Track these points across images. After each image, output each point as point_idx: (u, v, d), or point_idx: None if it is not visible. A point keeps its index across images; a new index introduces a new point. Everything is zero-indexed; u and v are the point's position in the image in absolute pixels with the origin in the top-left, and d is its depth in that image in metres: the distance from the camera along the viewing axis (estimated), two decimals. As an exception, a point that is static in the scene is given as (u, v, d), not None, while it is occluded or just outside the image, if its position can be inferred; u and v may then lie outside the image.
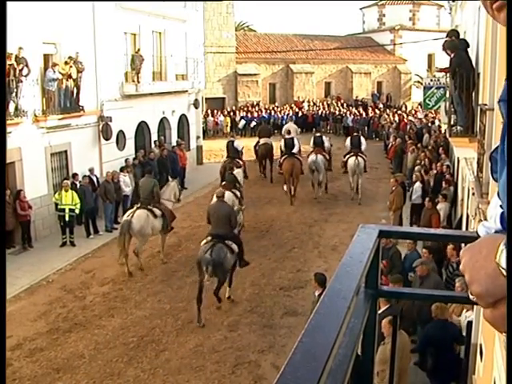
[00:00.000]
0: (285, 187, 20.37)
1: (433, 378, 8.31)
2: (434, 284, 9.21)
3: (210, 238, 11.40)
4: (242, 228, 13.31)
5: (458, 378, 7.92)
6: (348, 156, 20.58)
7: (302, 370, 0.97)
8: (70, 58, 16.95)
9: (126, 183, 18.08)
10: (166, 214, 14.06)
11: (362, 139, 21.44)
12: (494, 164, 1.18)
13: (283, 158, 20.41)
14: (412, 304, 8.88)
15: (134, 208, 13.90)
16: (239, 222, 12.69)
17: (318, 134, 22.16)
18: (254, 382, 9.08)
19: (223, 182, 16.04)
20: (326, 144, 21.89)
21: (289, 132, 22.03)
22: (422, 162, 18.64)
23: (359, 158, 20.10)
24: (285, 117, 35.81)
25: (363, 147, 20.93)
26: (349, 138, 21.91)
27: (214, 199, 12.79)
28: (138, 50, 20.85)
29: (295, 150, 20.22)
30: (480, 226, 1.22)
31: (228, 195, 14.02)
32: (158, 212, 13.85)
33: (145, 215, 13.54)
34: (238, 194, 15.36)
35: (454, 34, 12.30)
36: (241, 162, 19.99)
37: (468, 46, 11.24)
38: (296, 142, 20.57)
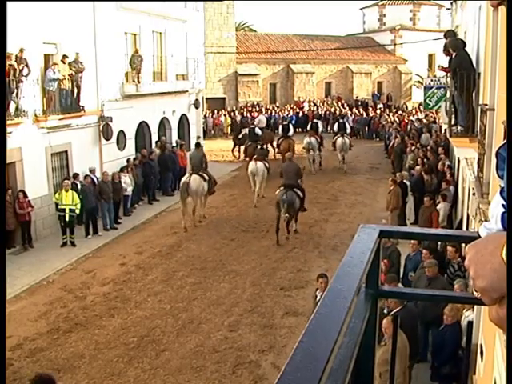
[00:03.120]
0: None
1: (438, 380, 8.28)
2: (441, 286, 9.14)
3: (282, 187, 15.49)
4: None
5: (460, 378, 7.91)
6: (336, 137, 25.69)
7: (303, 371, 0.96)
8: (65, 56, 16.84)
9: (127, 183, 18.10)
10: (211, 179, 17.77)
11: (347, 124, 27.32)
12: (500, 161, 1.17)
13: (281, 139, 25.17)
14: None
15: (188, 174, 17.57)
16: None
17: (315, 120, 28.29)
18: (255, 382, 9.08)
19: (255, 156, 20.42)
20: (320, 128, 27.54)
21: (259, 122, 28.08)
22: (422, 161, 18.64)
23: (345, 138, 25.27)
24: (286, 117, 35.95)
25: (348, 131, 26.65)
26: (336, 124, 27.29)
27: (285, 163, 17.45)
28: (137, 50, 20.84)
29: (290, 134, 25.33)
30: (481, 227, 1.22)
31: (260, 164, 19.29)
32: (206, 177, 17.48)
33: (198, 178, 17.10)
34: (267, 164, 19.93)
35: (450, 34, 12.35)
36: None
37: (465, 45, 11.26)
38: (291, 127, 26.26)
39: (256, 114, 36.24)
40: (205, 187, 17.27)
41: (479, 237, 1.14)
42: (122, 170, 18.41)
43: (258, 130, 25.17)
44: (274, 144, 26.69)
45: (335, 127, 27.13)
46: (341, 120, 27.70)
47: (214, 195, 19.98)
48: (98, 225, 16.80)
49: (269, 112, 37.44)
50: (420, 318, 9.08)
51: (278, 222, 15.38)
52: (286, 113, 37.56)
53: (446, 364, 8.07)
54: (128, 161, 19.36)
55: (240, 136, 27.75)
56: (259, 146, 22.51)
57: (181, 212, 17.14)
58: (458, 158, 15.05)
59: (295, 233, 16.23)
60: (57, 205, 15.64)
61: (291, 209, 15.30)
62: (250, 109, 37.42)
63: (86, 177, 17.01)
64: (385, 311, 7.89)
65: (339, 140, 25.11)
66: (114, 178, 17.48)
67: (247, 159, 24.79)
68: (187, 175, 17.48)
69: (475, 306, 7.79)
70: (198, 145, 19.40)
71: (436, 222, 13.26)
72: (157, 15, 22.21)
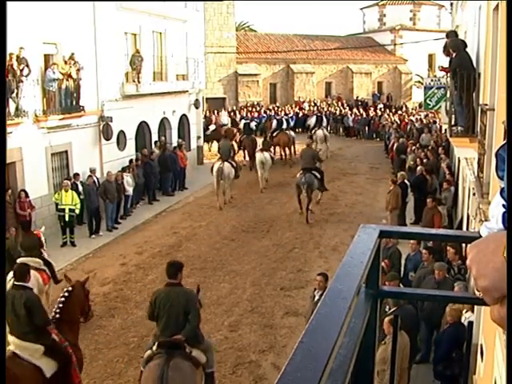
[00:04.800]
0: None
1: (440, 379, 8.27)
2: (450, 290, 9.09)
3: (302, 170, 17.96)
4: (322, 163, 19.81)
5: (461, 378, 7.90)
6: (315, 130, 28.43)
7: (303, 371, 0.97)
8: (69, 57, 16.92)
9: (129, 183, 18.10)
10: (237, 166, 20.53)
11: (324, 118, 31.23)
12: (500, 161, 1.17)
13: (276, 133, 27.20)
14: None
15: (219, 161, 19.74)
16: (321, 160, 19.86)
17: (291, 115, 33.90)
18: (255, 382, 9.08)
19: (260, 147, 23.22)
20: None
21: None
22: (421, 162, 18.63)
23: (324, 130, 28.82)
24: (285, 116, 36.04)
25: (324, 124, 30.20)
26: (314, 117, 30.77)
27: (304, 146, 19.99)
28: (137, 50, 20.83)
29: (283, 127, 27.94)
30: (482, 227, 1.22)
31: (267, 154, 22.14)
32: (234, 164, 20.11)
33: (229, 165, 19.61)
34: (271, 154, 23.25)
35: (452, 34, 12.31)
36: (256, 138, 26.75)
37: (466, 46, 11.25)
38: (284, 121, 29.31)
39: (256, 113, 36.43)
40: (233, 172, 19.82)
41: (480, 236, 1.14)
42: (123, 170, 18.41)
43: (252, 125, 28.14)
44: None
45: (313, 120, 30.33)
46: (318, 114, 31.79)
47: (214, 195, 20.07)
48: (100, 224, 16.82)
49: (268, 112, 37.46)
50: (425, 321, 9.07)
51: (299, 200, 18.02)
52: (287, 112, 37.58)
53: (446, 363, 8.06)
54: (131, 161, 19.40)
55: (208, 132, 29.75)
56: (266, 139, 24.86)
57: (215, 194, 19.83)
58: (458, 158, 15.04)
59: (311, 213, 18.13)
60: (57, 205, 15.65)
61: (309, 189, 17.66)
62: (250, 109, 37.41)
63: (88, 177, 17.02)
64: (386, 309, 7.88)
65: (319, 132, 28.02)
66: (117, 179, 17.48)
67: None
68: (219, 162, 19.75)
69: (475, 307, 7.79)
70: (225, 136, 22.70)
71: (438, 223, 13.23)
72: (157, 15, 22.20)
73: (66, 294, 7.96)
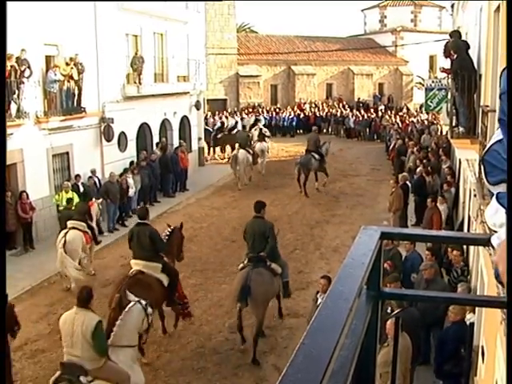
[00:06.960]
0: None
1: (446, 379, 8.25)
2: (440, 288, 9.09)
3: (304, 152, 21.65)
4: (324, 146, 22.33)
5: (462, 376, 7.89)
6: (255, 128, 30.56)
7: (304, 372, 0.97)
8: (71, 59, 16.95)
9: (130, 185, 18.09)
10: (254, 153, 23.45)
11: (262, 118, 34.32)
12: (489, 167, 1.17)
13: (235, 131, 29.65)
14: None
15: (236, 149, 23.19)
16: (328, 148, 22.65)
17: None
18: (256, 383, 9.07)
19: (257, 138, 25.51)
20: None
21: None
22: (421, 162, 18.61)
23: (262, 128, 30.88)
24: (286, 118, 36.16)
25: (262, 122, 32.19)
26: (253, 117, 33.68)
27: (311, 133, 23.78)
28: (137, 52, 20.83)
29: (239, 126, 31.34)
30: (494, 238, 1.23)
31: (265, 143, 25.09)
32: (250, 151, 23.09)
33: (245, 152, 22.64)
34: (268, 144, 26.42)
35: (456, 34, 12.29)
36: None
37: (469, 47, 11.24)
38: (239, 121, 33.09)
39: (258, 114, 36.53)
40: (249, 159, 22.73)
41: (489, 241, 1.16)
42: (125, 171, 18.40)
43: (241, 122, 31.54)
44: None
45: (251, 121, 33.28)
46: (257, 115, 35.30)
47: (215, 196, 20.10)
48: (102, 225, 16.80)
49: (270, 113, 37.52)
50: (421, 321, 9.05)
51: (298, 178, 20.92)
52: (288, 114, 37.65)
53: (454, 361, 8.03)
54: (132, 163, 19.38)
55: (219, 136, 31.46)
56: (261, 131, 27.05)
57: (235, 176, 22.88)
58: (459, 159, 15.03)
59: (317, 191, 21.32)
60: (57, 206, 15.65)
61: (305, 169, 20.48)
62: (250, 110, 37.42)
63: (89, 178, 17.01)
64: (388, 311, 7.87)
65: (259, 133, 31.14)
66: (121, 182, 17.48)
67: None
68: (236, 150, 23.06)
69: (476, 308, 7.78)
70: (244, 127, 26.26)
71: (437, 223, 13.22)
72: (158, 16, 22.21)
73: (168, 233, 10.72)
